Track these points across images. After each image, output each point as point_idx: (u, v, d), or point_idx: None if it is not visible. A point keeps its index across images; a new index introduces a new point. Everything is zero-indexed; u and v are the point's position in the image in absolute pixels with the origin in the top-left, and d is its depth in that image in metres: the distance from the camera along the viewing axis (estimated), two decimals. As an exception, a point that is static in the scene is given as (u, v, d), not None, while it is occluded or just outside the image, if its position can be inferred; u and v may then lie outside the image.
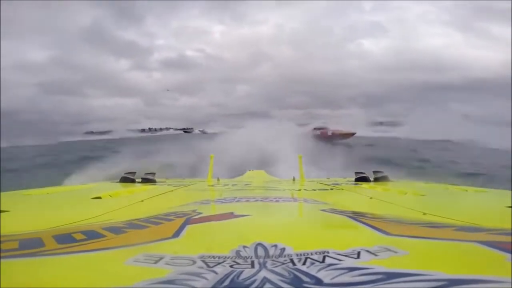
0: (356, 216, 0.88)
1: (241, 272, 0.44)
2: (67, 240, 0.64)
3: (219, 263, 0.48)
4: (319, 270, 0.44)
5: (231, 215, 0.89)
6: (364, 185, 2.38)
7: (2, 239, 0.65)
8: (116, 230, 0.74)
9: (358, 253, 0.50)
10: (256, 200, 1.30)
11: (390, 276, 0.41)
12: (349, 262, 0.47)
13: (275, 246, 0.55)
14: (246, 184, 2.45)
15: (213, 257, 0.51)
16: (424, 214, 1.08)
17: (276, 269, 0.45)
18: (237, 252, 0.53)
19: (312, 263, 0.47)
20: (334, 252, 0.51)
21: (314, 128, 20.77)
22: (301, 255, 0.51)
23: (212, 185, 2.51)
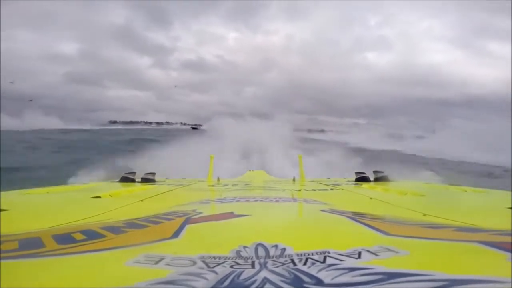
0: (356, 216, 0.88)
1: (241, 273, 0.44)
2: (67, 240, 0.63)
3: (219, 264, 0.48)
4: (319, 270, 0.44)
5: (231, 215, 0.89)
6: (364, 185, 2.38)
7: (2, 239, 0.64)
8: (115, 230, 0.73)
9: (359, 253, 0.50)
10: (256, 200, 1.30)
11: (391, 276, 0.41)
12: (350, 262, 0.47)
13: (276, 246, 0.55)
14: (246, 184, 2.45)
15: (213, 257, 0.50)
16: (424, 215, 1.08)
17: (277, 270, 0.45)
18: (238, 252, 0.53)
19: (313, 263, 0.47)
20: (334, 252, 0.51)
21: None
22: (301, 255, 0.51)
23: (212, 185, 2.51)
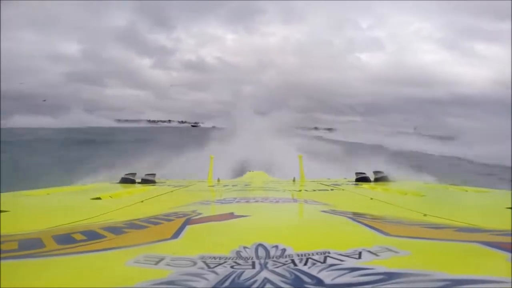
0: (357, 217, 0.88)
1: (242, 273, 0.44)
2: (67, 240, 0.63)
3: (219, 264, 0.48)
4: (320, 271, 0.44)
5: (231, 216, 0.89)
6: (365, 185, 2.37)
7: (2, 239, 0.64)
8: (116, 230, 0.73)
9: (359, 254, 0.50)
10: (256, 201, 1.30)
11: (391, 276, 0.41)
12: (350, 263, 0.47)
13: (276, 246, 0.55)
14: (246, 185, 2.45)
15: (214, 257, 0.50)
16: (425, 215, 1.07)
17: (277, 270, 0.45)
18: (238, 252, 0.53)
19: (314, 264, 0.47)
20: (335, 253, 0.51)
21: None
22: (302, 255, 0.51)
23: (212, 186, 2.51)
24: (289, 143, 9.53)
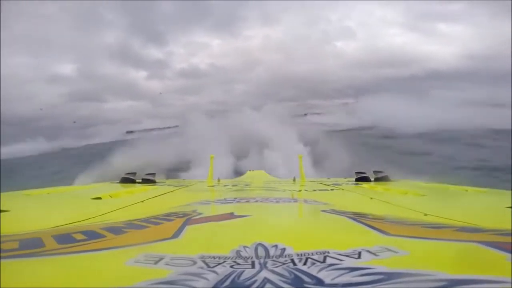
0: (357, 216, 0.88)
1: (241, 273, 0.44)
2: (67, 240, 0.63)
3: (219, 264, 0.48)
4: (320, 270, 0.44)
5: (231, 216, 0.89)
6: (365, 185, 2.37)
7: (2, 239, 0.64)
8: (116, 230, 0.73)
9: (359, 253, 0.50)
10: (257, 201, 1.30)
11: (391, 276, 0.41)
12: (350, 262, 0.47)
13: (276, 246, 0.55)
14: (247, 185, 2.45)
15: (214, 257, 0.50)
16: (426, 215, 1.07)
17: (277, 270, 0.45)
18: (238, 252, 0.53)
19: (313, 263, 0.47)
20: (334, 252, 0.51)
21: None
22: (301, 255, 0.51)
23: (212, 186, 2.51)
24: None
